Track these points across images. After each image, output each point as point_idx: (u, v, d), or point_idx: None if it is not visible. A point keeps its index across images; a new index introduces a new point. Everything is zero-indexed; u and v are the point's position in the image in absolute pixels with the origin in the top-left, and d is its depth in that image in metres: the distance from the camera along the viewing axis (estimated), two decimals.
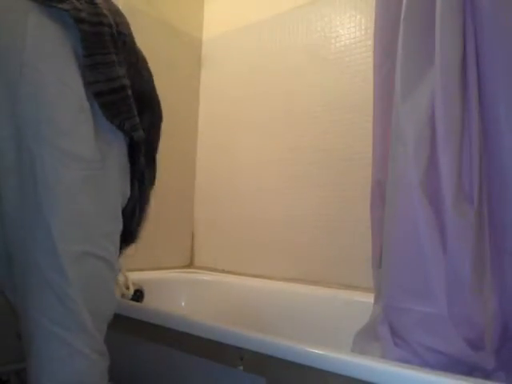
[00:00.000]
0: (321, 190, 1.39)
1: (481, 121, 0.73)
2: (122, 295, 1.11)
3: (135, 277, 1.20)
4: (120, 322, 0.93)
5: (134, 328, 0.92)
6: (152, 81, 0.75)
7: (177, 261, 1.67)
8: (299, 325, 1.20)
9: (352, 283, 1.27)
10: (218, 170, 1.71)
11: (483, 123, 0.73)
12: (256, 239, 1.55)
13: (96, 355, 0.59)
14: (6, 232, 0.58)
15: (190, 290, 1.50)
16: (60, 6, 0.58)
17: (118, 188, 0.65)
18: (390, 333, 0.75)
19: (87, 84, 0.59)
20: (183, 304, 1.46)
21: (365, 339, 0.82)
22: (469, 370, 0.67)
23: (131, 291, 1.13)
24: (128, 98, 0.63)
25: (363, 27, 1.34)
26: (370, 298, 0.91)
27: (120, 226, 0.66)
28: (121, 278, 1.12)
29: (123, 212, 0.67)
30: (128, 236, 0.73)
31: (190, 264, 1.73)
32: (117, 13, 0.68)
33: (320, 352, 0.64)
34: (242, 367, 0.72)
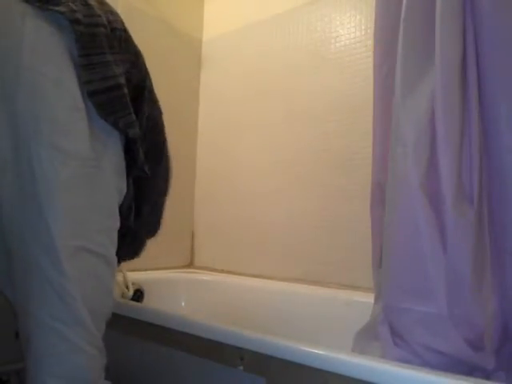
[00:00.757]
0: (320, 190, 1.40)
1: (481, 121, 0.73)
2: (122, 295, 1.11)
3: (135, 277, 1.20)
4: (120, 322, 0.93)
5: (134, 328, 0.92)
6: (150, 79, 0.75)
7: (177, 261, 1.67)
8: (299, 325, 1.20)
9: (352, 283, 1.27)
10: (218, 170, 1.71)
11: (483, 123, 0.73)
12: (256, 239, 1.55)
13: (95, 351, 0.60)
14: (4, 228, 0.59)
15: (189, 290, 1.50)
16: (56, 8, 0.59)
17: (114, 185, 0.65)
18: (390, 333, 0.75)
19: (83, 84, 0.60)
20: (183, 304, 1.46)
21: (365, 339, 0.82)
22: (469, 370, 0.67)
23: (131, 291, 1.13)
24: (124, 97, 0.64)
25: (363, 27, 1.34)
26: (370, 298, 0.91)
27: (117, 223, 0.66)
28: (120, 278, 1.12)
29: (120, 209, 0.67)
30: (151, 227, 0.79)
31: (190, 264, 1.73)
32: (110, 12, 0.69)
33: (320, 352, 0.64)
34: (241, 367, 0.72)
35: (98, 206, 0.62)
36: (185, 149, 1.74)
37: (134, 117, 0.65)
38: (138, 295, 1.17)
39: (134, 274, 1.23)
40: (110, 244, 0.64)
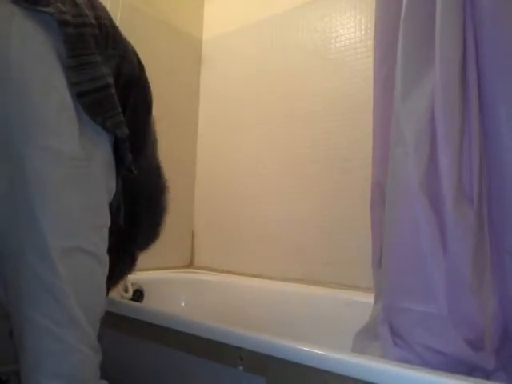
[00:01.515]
0: (321, 191, 1.40)
1: (481, 121, 0.73)
2: (122, 295, 1.11)
3: (135, 277, 1.20)
4: (120, 322, 0.93)
5: (134, 328, 0.92)
6: (143, 69, 0.76)
7: (177, 261, 1.67)
8: (299, 325, 1.20)
9: (352, 283, 1.27)
10: (218, 170, 1.71)
11: (483, 123, 0.73)
12: (256, 239, 1.55)
13: (89, 350, 0.60)
14: None
15: (189, 290, 1.50)
16: (45, 9, 0.59)
17: (104, 185, 0.66)
18: (390, 333, 0.75)
19: (71, 84, 0.60)
20: (183, 304, 1.46)
21: (365, 339, 0.82)
22: (469, 370, 0.67)
23: (130, 291, 1.13)
24: (111, 96, 0.64)
25: (363, 27, 1.34)
26: (370, 298, 0.91)
27: (108, 222, 0.66)
28: None
29: (110, 208, 0.67)
30: (154, 229, 0.81)
31: (190, 264, 1.73)
32: (98, 7, 0.69)
33: (320, 352, 0.64)
34: (241, 367, 0.72)
35: (89, 205, 0.62)
36: (185, 149, 1.74)
37: (122, 117, 0.65)
38: (138, 295, 1.17)
39: (134, 274, 1.23)
40: (101, 243, 0.64)
